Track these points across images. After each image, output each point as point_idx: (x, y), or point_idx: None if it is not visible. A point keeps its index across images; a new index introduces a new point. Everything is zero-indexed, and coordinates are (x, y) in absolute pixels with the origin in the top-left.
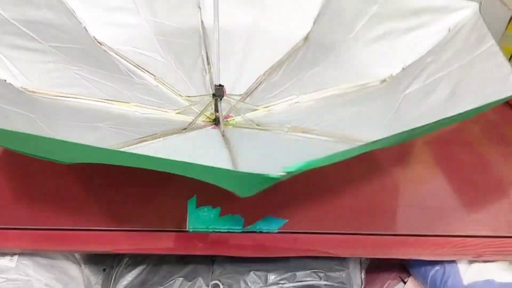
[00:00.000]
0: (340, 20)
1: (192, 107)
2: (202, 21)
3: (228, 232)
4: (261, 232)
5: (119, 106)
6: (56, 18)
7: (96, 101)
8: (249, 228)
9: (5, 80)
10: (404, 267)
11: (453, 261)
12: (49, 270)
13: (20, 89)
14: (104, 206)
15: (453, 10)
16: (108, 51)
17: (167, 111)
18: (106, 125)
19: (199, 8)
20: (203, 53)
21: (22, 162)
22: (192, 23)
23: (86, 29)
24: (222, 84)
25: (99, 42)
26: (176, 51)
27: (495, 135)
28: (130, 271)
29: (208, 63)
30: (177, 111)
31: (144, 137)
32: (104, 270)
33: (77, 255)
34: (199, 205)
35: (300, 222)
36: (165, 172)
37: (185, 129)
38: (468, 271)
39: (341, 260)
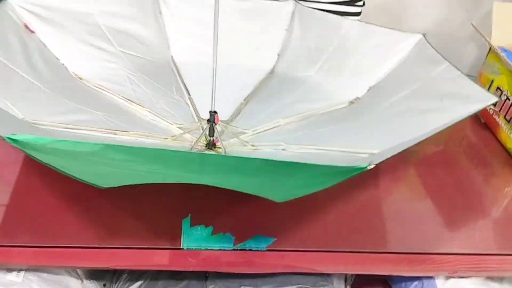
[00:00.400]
0: (385, 88)
1: (198, 125)
2: (274, 66)
3: (219, 250)
4: (250, 250)
5: (135, 107)
6: (144, 33)
7: (119, 97)
8: (239, 246)
9: (63, 64)
10: (386, 282)
11: (431, 277)
12: (52, 285)
13: (71, 73)
14: (102, 225)
15: (476, 101)
16: (173, 69)
17: (171, 124)
18: (103, 114)
19: (278, 55)
20: (251, 91)
21: (22, 182)
22: (264, 66)
23: (168, 48)
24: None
25: (173, 61)
26: (228, 83)
27: (476, 156)
28: (129, 286)
29: (245, 98)
30: (178, 126)
31: (116, 130)
32: (104, 285)
33: (79, 271)
34: (193, 224)
35: (287, 240)
36: (160, 193)
37: (166, 138)
38: (445, 286)
39: (326, 276)
